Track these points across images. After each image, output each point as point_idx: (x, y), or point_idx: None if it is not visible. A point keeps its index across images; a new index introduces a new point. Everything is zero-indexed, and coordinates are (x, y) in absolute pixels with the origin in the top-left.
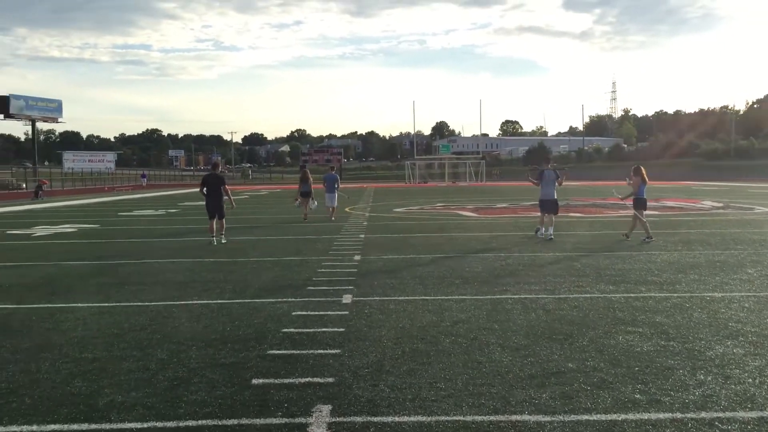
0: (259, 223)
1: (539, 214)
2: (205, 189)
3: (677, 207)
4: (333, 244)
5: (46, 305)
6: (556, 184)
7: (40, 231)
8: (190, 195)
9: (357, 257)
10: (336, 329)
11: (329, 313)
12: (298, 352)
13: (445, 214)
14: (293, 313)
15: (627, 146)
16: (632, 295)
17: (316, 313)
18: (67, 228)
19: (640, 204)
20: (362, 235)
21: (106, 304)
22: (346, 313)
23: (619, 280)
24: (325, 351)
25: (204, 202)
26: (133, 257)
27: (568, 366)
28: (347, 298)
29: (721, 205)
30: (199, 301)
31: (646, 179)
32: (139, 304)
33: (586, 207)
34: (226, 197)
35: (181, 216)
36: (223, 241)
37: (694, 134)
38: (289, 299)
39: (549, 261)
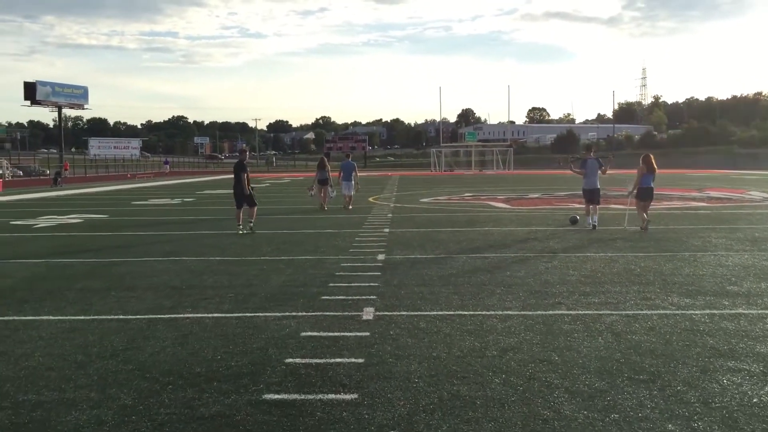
0: (278, 214)
1: (583, 204)
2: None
3: (725, 198)
4: (354, 239)
5: (11, 318)
6: (599, 173)
7: (44, 222)
8: (209, 183)
9: (380, 256)
10: (353, 360)
11: (346, 334)
12: (303, 397)
13: (475, 204)
14: (302, 334)
15: (658, 134)
16: (716, 312)
17: (330, 334)
18: (73, 219)
19: (642, 193)
20: (386, 229)
21: (82, 317)
22: (367, 334)
23: (694, 291)
24: (338, 396)
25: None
26: (133, 254)
27: (668, 429)
28: (368, 313)
29: None
30: (191, 315)
31: (654, 168)
32: (121, 317)
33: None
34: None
35: (195, 206)
36: (249, 229)
37: (729, 121)
38: (299, 313)
39: (602, 263)
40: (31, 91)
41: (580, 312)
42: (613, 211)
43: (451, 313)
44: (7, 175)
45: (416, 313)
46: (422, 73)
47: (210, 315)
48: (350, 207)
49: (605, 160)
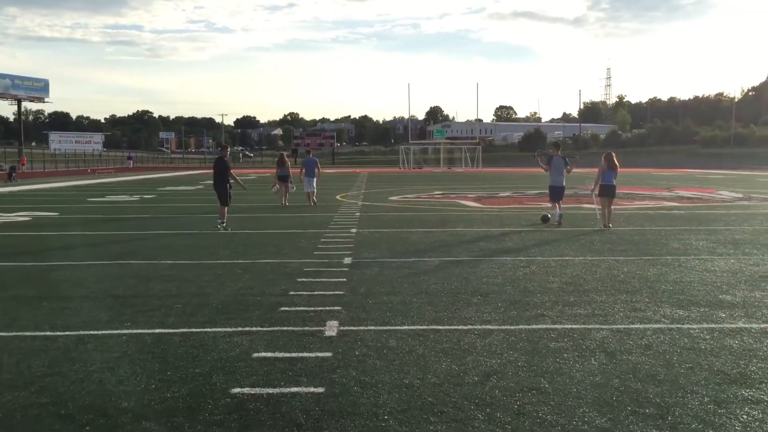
0: (240, 213)
1: (549, 202)
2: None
3: (696, 198)
4: (319, 240)
5: None
6: (565, 171)
7: None
8: (173, 179)
9: (347, 260)
10: (312, 389)
11: (305, 355)
12: None
13: (446, 203)
14: (254, 355)
15: (623, 133)
16: (715, 326)
17: (287, 354)
18: (21, 217)
19: (603, 191)
20: (354, 230)
21: (3, 334)
22: (329, 355)
23: (685, 301)
24: None
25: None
26: (77, 257)
27: None
28: (332, 327)
29: (741, 195)
30: (129, 331)
31: (616, 165)
32: (48, 334)
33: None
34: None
35: (154, 204)
36: (221, 228)
37: (691, 121)
38: (254, 328)
39: (583, 268)
40: None
41: (567, 326)
42: (585, 211)
43: (425, 327)
44: None
45: (385, 327)
46: (391, 70)
47: (151, 331)
48: (313, 202)
49: (572, 160)
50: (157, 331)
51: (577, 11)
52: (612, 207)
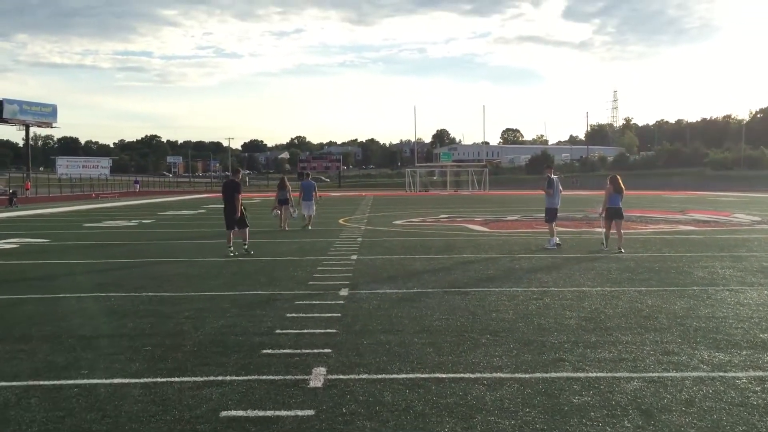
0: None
1: (548, 225)
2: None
3: (712, 221)
4: (316, 269)
5: None
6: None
7: None
8: (176, 203)
9: (343, 291)
10: None
11: (282, 413)
12: None
13: (452, 227)
14: (222, 414)
15: (631, 155)
16: (764, 374)
17: (261, 413)
18: (9, 244)
19: (610, 213)
20: (354, 257)
21: None
22: (311, 414)
23: (723, 341)
24: None
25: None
26: (53, 288)
27: None
28: (318, 376)
29: (759, 219)
30: (84, 381)
31: (622, 188)
32: None
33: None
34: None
35: (152, 229)
36: (247, 250)
37: (700, 143)
38: (228, 377)
39: (601, 301)
40: None
41: (591, 374)
42: (598, 235)
43: (426, 376)
44: None
45: (380, 376)
46: (397, 94)
47: (109, 381)
48: (310, 227)
49: (563, 179)
50: (116, 381)
51: (583, 35)
52: (623, 231)
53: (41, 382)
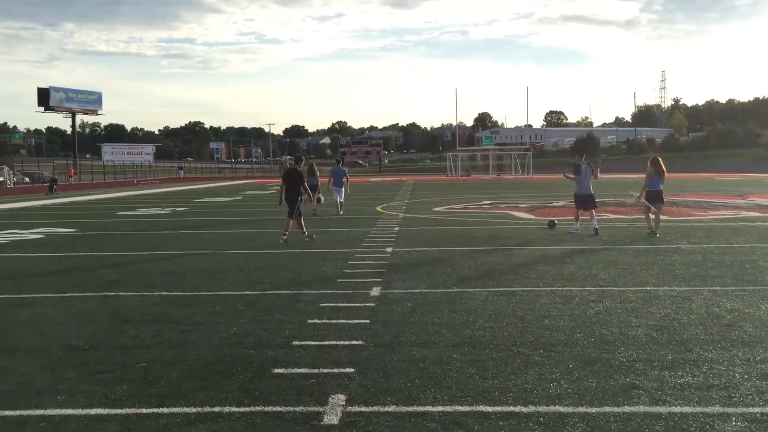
0: (265, 228)
1: (576, 212)
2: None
3: None
4: (347, 263)
5: None
6: (592, 177)
7: None
8: (214, 190)
9: (375, 290)
10: None
11: None
12: None
13: (495, 215)
14: None
15: (680, 137)
16: None
17: None
18: (34, 234)
19: (651, 196)
20: (389, 249)
21: None
22: None
23: None
24: None
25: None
26: (60, 286)
27: None
28: (336, 406)
29: None
30: (55, 411)
31: (664, 171)
32: None
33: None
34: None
35: (183, 217)
36: (309, 236)
37: (753, 124)
38: (225, 408)
39: (671, 304)
40: (44, 97)
41: (674, 408)
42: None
43: (467, 409)
44: (9, 182)
45: (410, 408)
46: (438, 77)
47: (85, 411)
48: (341, 213)
49: (595, 164)
50: (92, 411)
51: (629, 13)
52: (661, 215)
53: (6, 412)
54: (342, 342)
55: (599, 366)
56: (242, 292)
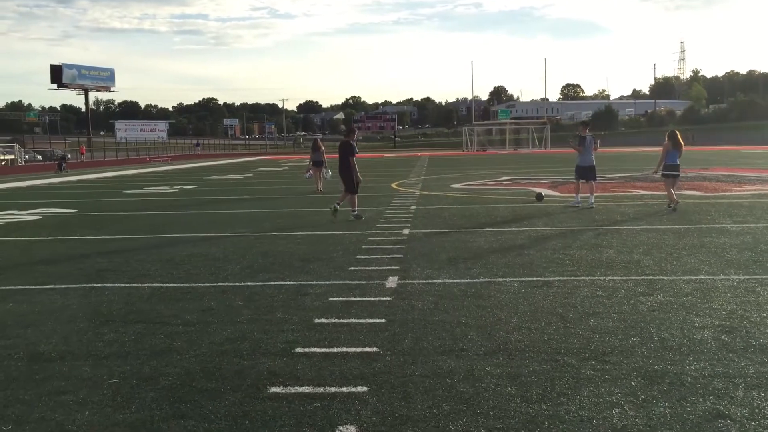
0: (274, 207)
1: (575, 182)
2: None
3: None
4: (361, 247)
5: None
6: (593, 150)
7: None
8: (226, 167)
9: (391, 280)
10: None
11: None
12: None
13: (517, 192)
14: None
15: (700, 108)
16: None
17: None
18: (32, 216)
19: (669, 170)
20: (406, 231)
21: None
22: None
23: None
24: None
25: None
26: (43, 278)
27: None
28: None
29: None
30: None
31: (681, 144)
32: None
33: (694, 181)
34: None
35: (190, 196)
36: (357, 215)
37: None
38: None
39: (734, 299)
40: (57, 75)
41: None
42: (689, 200)
43: None
44: (20, 160)
45: None
46: (453, 51)
47: None
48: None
49: (596, 137)
50: None
51: None
52: (676, 189)
53: None
54: (353, 348)
55: (668, 384)
56: (242, 283)
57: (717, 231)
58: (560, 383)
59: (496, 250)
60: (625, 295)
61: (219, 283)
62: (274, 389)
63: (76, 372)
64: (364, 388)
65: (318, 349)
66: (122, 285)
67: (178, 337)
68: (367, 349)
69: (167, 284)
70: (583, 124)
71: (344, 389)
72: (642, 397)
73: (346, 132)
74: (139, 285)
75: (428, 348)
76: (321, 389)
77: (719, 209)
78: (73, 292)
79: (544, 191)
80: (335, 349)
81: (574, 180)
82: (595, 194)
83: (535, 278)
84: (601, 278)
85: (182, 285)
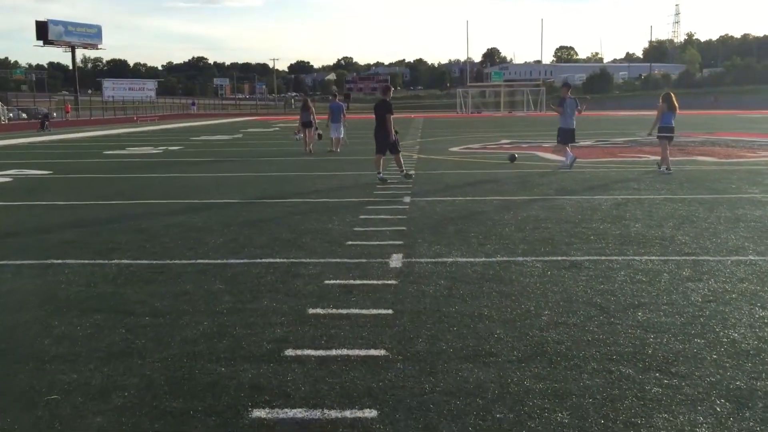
0: (263, 171)
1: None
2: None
3: None
4: (358, 217)
5: None
6: (576, 113)
7: None
8: (213, 127)
9: (395, 258)
10: None
11: None
12: None
13: (521, 156)
14: None
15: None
16: None
17: None
18: (3, 177)
19: (664, 131)
20: (407, 199)
21: None
22: None
23: None
24: None
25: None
26: (2, 248)
27: None
28: None
29: None
30: None
31: (676, 106)
32: None
33: (704, 146)
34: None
35: (175, 157)
36: (410, 174)
37: None
38: None
39: None
40: (43, 31)
41: None
42: (704, 166)
43: None
44: (3, 118)
45: None
46: (445, 12)
47: None
48: (338, 150)
49: (582, 101)
50: None
51: None
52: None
53: None
54: (356, 351)
55: (761, 408)
56: (224, 261)
57: (747, 202)
58: (622, 406)
59: (509, 222)
60: (669, 281)
61: (197, 260)
62: (257, 413)
63: (8, 384)
64: (373, 413)
65: (313, 352)
66: (85, 261)
67: (143, 333)
68: (373, 352)
69: (138, 260)
70: (565, 86)
71: (347, 413)
72: (734, 426)
73: (382, 90)
74: (105, 262)
75: (447, 351)
76: (317, 413)
77: (740, 176)
78: (28, 270)
79: (546, 155)
80: (334, 352)
81: (584, 146)
82: (581, 159)
83: (560, 257)
84: (636, 258)
85: (155, 262)
